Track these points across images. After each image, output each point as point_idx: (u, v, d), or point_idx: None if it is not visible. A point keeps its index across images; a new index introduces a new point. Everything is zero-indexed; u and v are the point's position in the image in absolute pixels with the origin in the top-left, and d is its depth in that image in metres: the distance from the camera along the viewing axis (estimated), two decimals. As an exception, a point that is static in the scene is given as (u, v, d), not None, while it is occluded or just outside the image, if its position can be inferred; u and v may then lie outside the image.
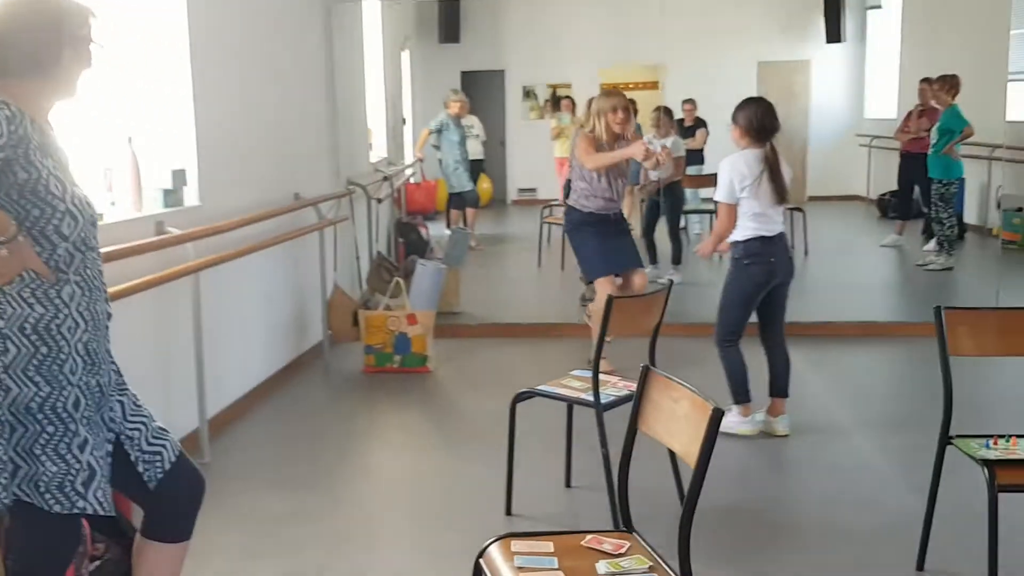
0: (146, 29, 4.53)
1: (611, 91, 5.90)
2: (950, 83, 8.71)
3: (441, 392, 5.72)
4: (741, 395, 4.76)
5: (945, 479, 3.22)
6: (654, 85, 14.99)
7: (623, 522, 2.62)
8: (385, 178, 8.02)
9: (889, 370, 6.27)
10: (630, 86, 15.73)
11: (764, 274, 4.63)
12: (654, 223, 9.06)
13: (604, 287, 5.52)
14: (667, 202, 8.95)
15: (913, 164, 9.72)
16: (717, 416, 2.17)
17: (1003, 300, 6.85)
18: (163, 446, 2.46)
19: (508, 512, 3.92)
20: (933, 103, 9.44)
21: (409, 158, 11.65)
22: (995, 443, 3.06)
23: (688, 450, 2.29)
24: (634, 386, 4.01)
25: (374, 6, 9.55)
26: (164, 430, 2.50)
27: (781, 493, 4.19)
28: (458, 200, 10.48)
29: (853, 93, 14.82)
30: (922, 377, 5.98)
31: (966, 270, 9.07)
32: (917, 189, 9.96)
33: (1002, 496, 2.87)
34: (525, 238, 11.48)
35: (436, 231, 10.37)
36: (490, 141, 12.63)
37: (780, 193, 4.61)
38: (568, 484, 4.20)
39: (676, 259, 8.83)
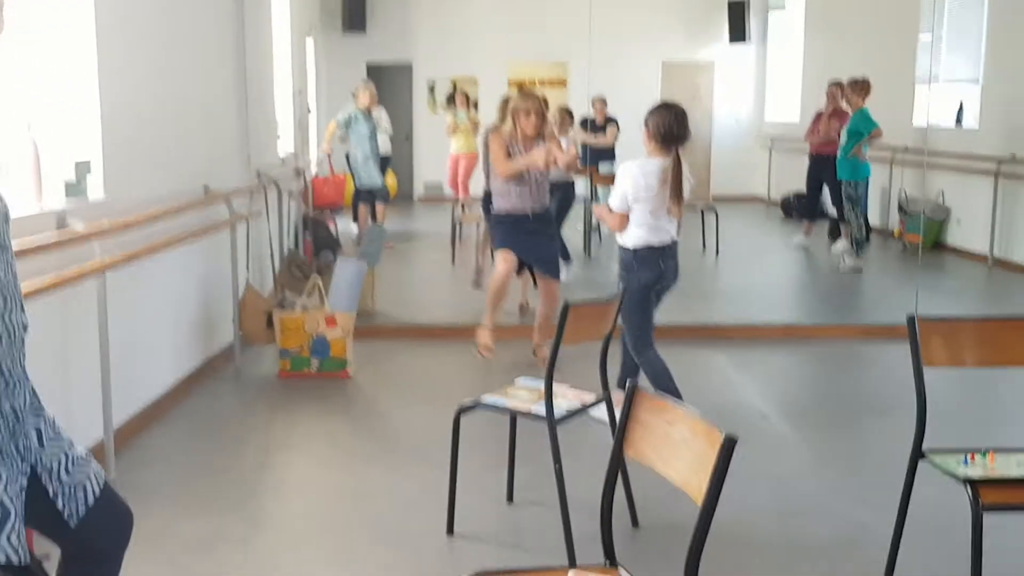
0: (48, 7, 4.09)
1: (528, 93, 5.89)
2: (861, 86, 8.80)
3: (364, 399, 5.39)
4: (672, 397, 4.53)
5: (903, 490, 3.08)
6: (561, 82, 14.89)
7: (606, 554, 2.38)
8: (298, 171, 7.61)
9: (813, 373, 6.20)
10: (536, 83, 15.63)
11: (653, 277, 4.59)
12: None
13: (501, 259, 5.75)
14: (555, 202, 8.52)
15: (822, 166, 9.79)
16: (729, 445, 1.94)
17: (922, 301, 6.91)
18: (86, 477, 2.12)
19: (450, 531, 3.64)
20: (843, 105, 9.52)
21: (314, 151, 11.23)
22: (972, 459, 2.93)
23: (688, 480, 2.06)
24: (587, 397, 3.83)
25: (282, -9, 9.13)
26: (86, 458, 2.16)
27: (732, 506, 4.01)
28: (368, 196, 10.10)
29: (756, 94, 14.96)
30: (848, 380, 5.94)
31: (878, 272, 9.16)
32: (826, 190, 10.02)
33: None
34: (435, 236, 11.21)
35: (343, 227, 10.01)
36: (396, 136, 12.29)
37: (677, 205, 4.52)
38: (510, 499, 3.95)
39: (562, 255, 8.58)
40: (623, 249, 4.61)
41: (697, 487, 2.01)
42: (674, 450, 2.14)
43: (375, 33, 14.32)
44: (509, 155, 5.71)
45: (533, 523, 3.77)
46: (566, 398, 3.66)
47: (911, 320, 3.07)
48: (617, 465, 2.35)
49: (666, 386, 4.55)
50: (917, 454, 3.05)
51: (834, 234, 10.19)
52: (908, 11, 10.45)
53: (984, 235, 9.06)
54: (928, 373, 3.04)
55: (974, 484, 2.77)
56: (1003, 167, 8.80)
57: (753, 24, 14.61)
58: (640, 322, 4.63)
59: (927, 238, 9.41)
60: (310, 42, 11.65)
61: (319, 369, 5.67)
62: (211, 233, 5.40)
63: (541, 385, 3.82)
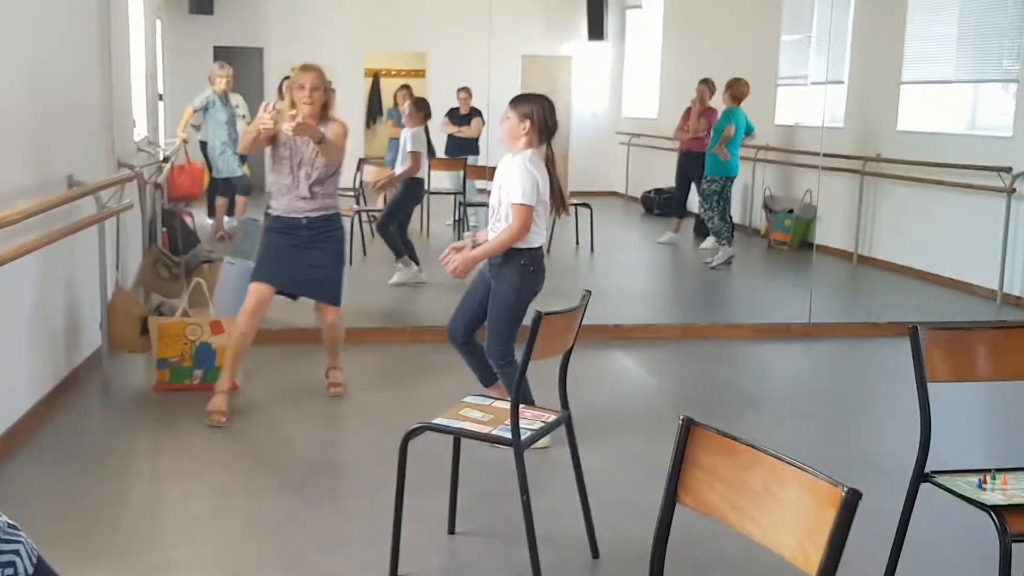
0: None
1: (306, 64, 4.69)
2: (731, 86, 8.85)
3: (259, 415, 4.80)
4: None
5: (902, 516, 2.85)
6: (420, 73, 14.37)
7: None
8: (165, 159, 6.88)
9: (720, 373, 6.01)
10: (393, 72, 15.08)
11: (540, 283, 4.19)
12: (392, 219, 8.04)
13: (249, 295, 4.65)
14: (400, 199, 8.05)
15: (692, 163, 9.73)
16: (851, 503, 1.59)
17: (799, 300, 6.86)
18: (15, 553, 1.63)
19: (394, 572, 3.18)
20: (711, 104, 9.50)
21: (163, 138, 10.36)
22: (985, 481, 2.71)
23: (785, 542, 1.70)
24: (546, 416, 3.44)
25: (134, -36, 8.28)
26: (15, 527, 1.65)
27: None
28: (226, 187, 9.37)
29: (613, 91, 14.87)
30: (751, 380, 5.77)
31: (751, 271, 9.14)
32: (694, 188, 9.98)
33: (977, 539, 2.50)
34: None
35: (199, 220, 9.23)
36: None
37: (561, 200, 4.20)
38: (452, 531, 3.52)
39: (399, 255, 7.95)
40: (518, 252, 4.07)
41: (800, 551, 1.66)
42: (756, 502, 1.79)
43: (223, 16, 13.36)
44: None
45: (483, 558, 3.36)
46: (524, 418, 3.25)
47: (913, 331, 2.82)
48: (669, 518, 1.97)
49: (526, 397, 3.95)
50: (920, 476, 2.82)
51: (700, 231, 10.17)
52: (770, 13, 10.52)
53: (848, 233, 9.18)
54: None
55: (999, 511, 2.54)
56: (868, 166, 8.94)
57: (611, 22, 14.52)
58: (512, 331, 4.18)
59: (794, 236, 9.47)
60: (158, 25, 10.75)
61: (203, 380, 5.05)
62: (76, 229, 4.67)
63: (491, 403, 3.42)
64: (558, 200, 4.17)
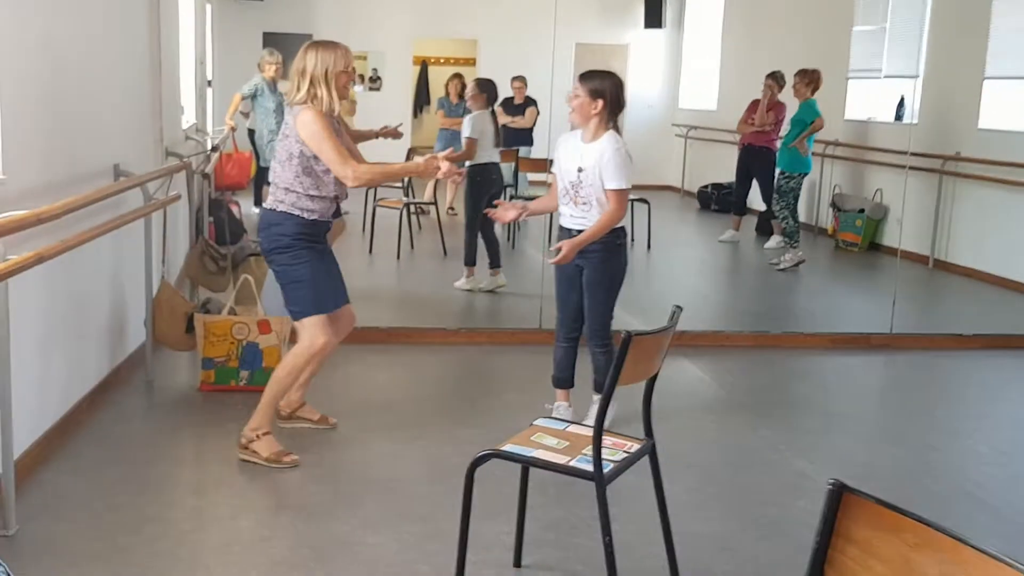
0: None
1: (328, 42, 3.89)
2: (810, 77, 8.44)
3: (307, 424, 4.54)
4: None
5: None
6: (470, 61, 14.09)
7: None
8: (214, 148, 6.66)
9: (795, 388, 5.66)
10: (442, 60, 14.82)
11: (627, 257, 4.34)
12: (473, 217, 7.32)
13: (319, 330, 3.97)
14: (467, 194, 7.44)
15: (754, 157, 9.39)
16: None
17: (871, 305, 6.50)
18: None
19: (458, 609, 2.90)
20: (780, 98, 9.13)
21: (211, 125, 10.18)
22: None
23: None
24: (627, 445, 3.14)
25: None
26: None
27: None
28: (273, 176, 9.16)
29: (670, 82, 14.47)
30: (832, 397, 5.40)
31: (820, 273, 8.71)
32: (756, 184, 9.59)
33: None
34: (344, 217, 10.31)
35: (245, 210, 9.02)
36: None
37: None
38: (518, 563, 3.22)
39: (495, 262, 7.32)
40: (611, 232, 4.13)
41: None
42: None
43: (273, 1, 13.18)
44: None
45: (555, 596, 3.06)
46: (604, 447, 2.94)
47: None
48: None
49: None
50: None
51: (763, 229, 9.80)
52: (842, 2, 10.09)
53: (923, 236, 8.75)
54: None
55: None
56: (947, 165, 8.50)
57: (669, 9, 14.12)
58: (612, 309, 4.32)
59: (864, 237, 9.06)
60: (208, 9, 10.57)
61: (249, 382, 4.80)
62: (123, 223, 4.42)
63: (566, 427, 3.11)
64: None
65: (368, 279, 8.00)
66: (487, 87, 7.47)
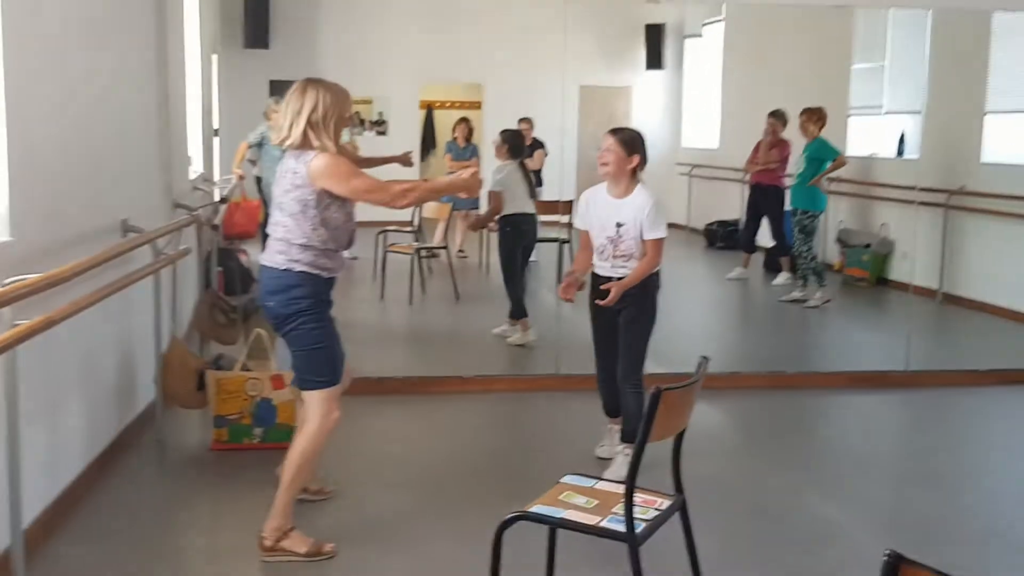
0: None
1: (326, 83, 3.57)
2: (817, 114, 8.34)
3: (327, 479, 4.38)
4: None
5: None
6: (476, 104, 14.07)
7: None
8: (223, 200, 6.55)
9: (814, 429, 5.50)
10: (447, 104, 14.82)
11: None
12: (509, 270, 6.95)
13: (335, 403, 3.62)
14: (500, 246, 7.02)
15: (763, 196, 9.25)
16: None
17: (882, 341, 6.36)
18: None
19: None
20: (784, 135, 9.04)
21: (218, 174, 10.12)
22: None
23: None
24: (658, 502, 2.98)
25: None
26: None
27: None
28: (281, 224, 9.06)
29: (672, 121, 14.45)
30: (853, 437, 5.24)
31: (833, 310, 8.53)
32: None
33: None
34: (353, 266, 10.20)
35: (254, 258, 8.92)
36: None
37: None
38: (549, 631, 3.06)
39: (518, 311, 6.93)
40: (649, 276, 4.29)
41: None
42: None
43: (279, 49, 13.18)
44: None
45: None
46: (635, 505, 2.78)
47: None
48: None
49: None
50: None
51: (771, 266, 9.67)
52: (840, 40, 10.03)
53: (930, 270, 8.61)
54: None
55: None
56: (952, 200, 8.39)
57: (669, 51, 14.13)
58: (646, 351, 4.43)
59: (872, 272, 8.92)
60: (214, 59, 10.54)
61: (263, 439, 4.66)
62: (132, 281, 4.30)
63: (593, 484, 2.96)
64: None
65: (381, 326, 7.89)
66: (511, 138, 7.10)
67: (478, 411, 5.58)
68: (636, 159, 4.20)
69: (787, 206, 8.95)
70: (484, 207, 7.49)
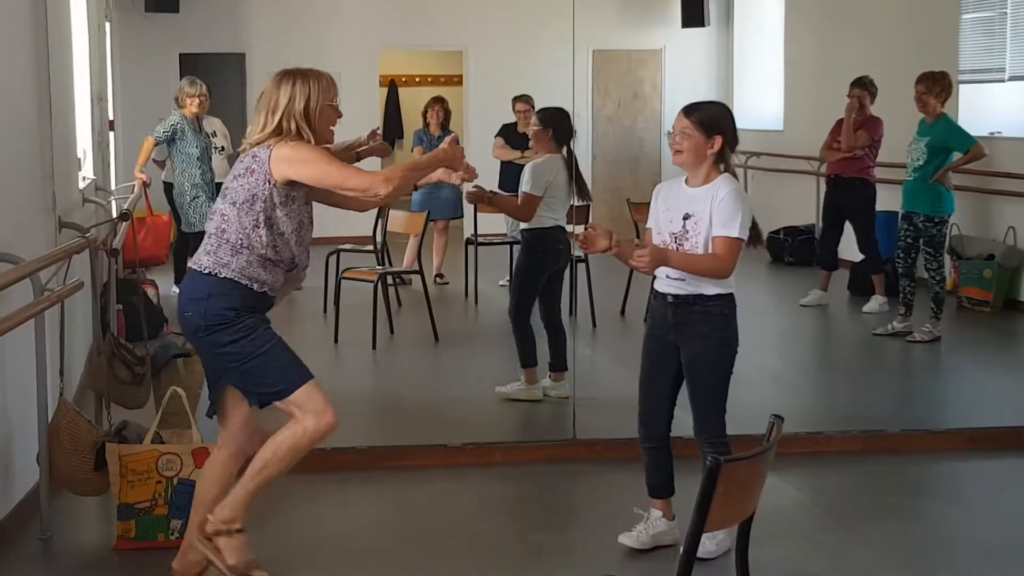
0: None
1: (306, 70, 4.09)
2: (940, 84, 8.30)
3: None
4: None
5: None
6: (454, 79, 14.22)
7: None
8: (124, 215, 6.65)
9: (928, 512, 5.55)
10: (417, 79, 14.96)
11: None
12: (525, 298, 6.96)
13: (324, 402, 4.03)
14: (523, 265, 7.07)
15: (844, 193, 9.41)
16: None
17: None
18: None
19: None
20: (871, 111, 9.17)
21: (114, 179, 10.23)
22: None
23: None
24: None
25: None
26: None
27: None
28: (198, 244, 9.16)
29: (719, 95, 14.56)
30: (980, 522, 5.27)
31: (942, 345, 8.57)
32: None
33: None
34: (300, 297, 10.26)
35: (164, 291, 8.98)
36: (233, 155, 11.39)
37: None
38: None
39: (559, 363, 6.92)
40: (719, 298, 4.42)
41: None
42: None
43: (191, 13, 13.30)
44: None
45: None
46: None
47: None
48: None
49: None
50: None
51: (858, 287, 9.76)
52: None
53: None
54: None
55: None
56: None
57: (714, 4, 14.27)
58: (725, 393, 4.56)
59: (997, 293, 9.01)
60: (107, 28, 10.69)
61: (184, 535, 4.69)
62: (6, 329, 4.36)
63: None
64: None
65: (335, 381, 7.88)
66: (555, 119, 6.99)
67: (469, 491, 5.60)
68: (718, 141, 4.36)
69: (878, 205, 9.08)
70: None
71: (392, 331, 8.62)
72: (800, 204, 11.54)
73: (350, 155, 5.33)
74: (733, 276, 4.43)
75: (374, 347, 8.21)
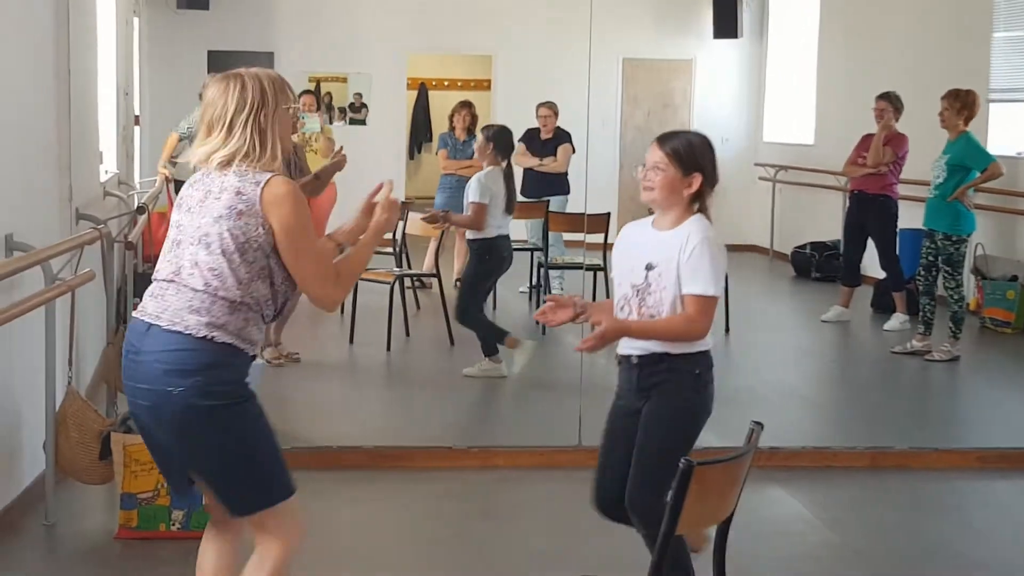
0: None
1: (254, 70, 3.49)
2: (962, 100, 8.30)
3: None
4: None
5: None
6: (483, 84, 14.33)
7: None
8: (140, 209, 6.77)
9: (931, 529, 5.58)
10: (446, 83, 15.05)
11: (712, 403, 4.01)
12: (471, 299, 7.64)
13: (298, 517, 3.51)
14: (473, 271, 7.69)
15: (868, 209, 9.39)
16: None
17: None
18: None
19: None
20: (895, 127, 9.19)
21: (138, 174, 10.36)
22: None
23: None
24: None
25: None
26: None
27: None
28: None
29: (751, 108, 14.62)
30: (984, 542, 5.31)
31: (962, 366, 8.58)
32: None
33: None
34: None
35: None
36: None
37: None
38: None
39: (491, 348, 7.56)
40: (688, 357, 3.84)
41: None
42: None
43: (221, 11, 13.44)
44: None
45: None
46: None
47: None
48: None
49: None
50: None
51: (880, 305, 9.77)
52: (975, 3, 10.18)
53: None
54: None
55: None
56: None
57: (747, 14, 14.30)
58: (670, 471, 3.57)
59: (1021, 314, 9.00)
60: (135, 23, 10.83)
61: (185, 527, 4.80)
62: (17, 315, 4.47)
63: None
64: None
65: (349, 382, 8.02)
66: (497, 136, 7.63)
67: (471, 493, 5.67)
68: (696, 180, 3.81)
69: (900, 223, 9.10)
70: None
71: (408, 333, 8.72)
72: (827, 219, 11.56)
73: (316, 184, 5.21)
74: (710, 333, 3.86)
75: (388, 348, 8.29)
